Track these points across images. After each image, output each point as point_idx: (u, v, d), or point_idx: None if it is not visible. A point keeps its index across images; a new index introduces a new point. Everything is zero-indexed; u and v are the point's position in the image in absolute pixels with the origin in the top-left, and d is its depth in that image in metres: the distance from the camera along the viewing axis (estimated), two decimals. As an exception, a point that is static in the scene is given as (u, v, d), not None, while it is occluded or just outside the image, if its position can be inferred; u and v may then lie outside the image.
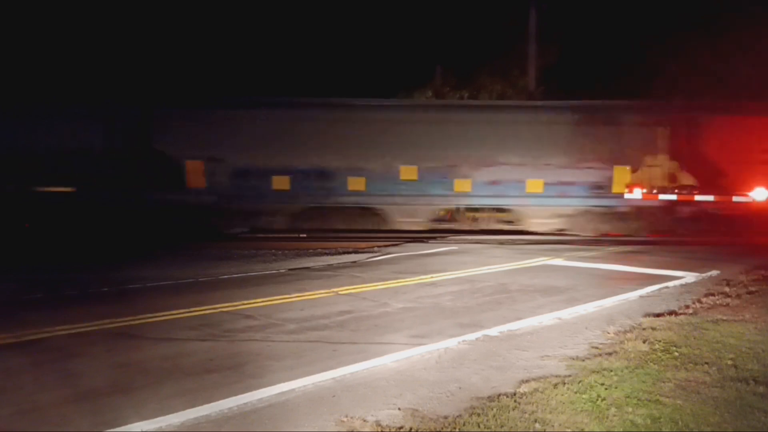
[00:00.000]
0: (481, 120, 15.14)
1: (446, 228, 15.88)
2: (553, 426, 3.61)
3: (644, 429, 3.59)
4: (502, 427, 3.60)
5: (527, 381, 4.42)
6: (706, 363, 4.79)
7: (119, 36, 20.62)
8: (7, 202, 14.40)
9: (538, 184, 14.84)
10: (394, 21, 21.38)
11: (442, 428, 3.58)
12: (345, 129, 15.02)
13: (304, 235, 15.35)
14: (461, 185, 15.00)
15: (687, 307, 6.99)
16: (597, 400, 3.99)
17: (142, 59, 20.61)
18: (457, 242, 14.09)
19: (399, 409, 3.91)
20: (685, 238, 14.28)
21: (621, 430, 3.57)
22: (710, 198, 14.54)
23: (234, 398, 4.07)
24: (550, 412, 3.79)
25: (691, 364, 4.76)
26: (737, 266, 9.99)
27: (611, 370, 4.59)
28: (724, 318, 6.35)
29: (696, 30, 19.66)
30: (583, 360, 4.94)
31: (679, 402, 3.98)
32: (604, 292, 7.94)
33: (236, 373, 4.63)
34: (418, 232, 15.58)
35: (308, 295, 7.66)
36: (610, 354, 5.07)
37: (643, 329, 5.88)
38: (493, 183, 14.91)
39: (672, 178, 14.79)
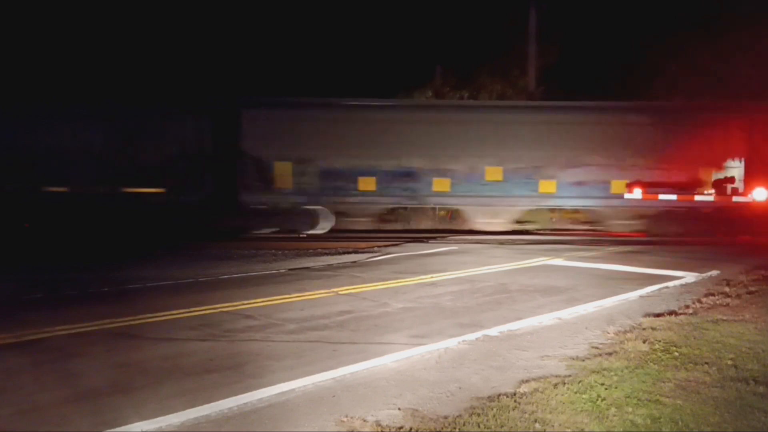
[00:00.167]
0: (569, 121, 15.15)
1: (528, 230, 16.02)
2: (553, 426, 3.60)
3: (644, 429, 3.59)
4: (502, 427, 3.60)
5: (527, 381, 4.42)
6: (706, 363, 4.79)
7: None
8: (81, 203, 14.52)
9: (622, 185, 14.83)
10: (394, 21, 21.39)
11: (442, 428, 3.58)
12: (431, 130, 15.14)
13: (304, 235, 15.36)
14: (546, 186, 15.06)
15: (687, 307, 6.98)
16: (597, 400, 3.99)
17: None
18: (457, 242, 14.09)
19: (399, 409, 3.91)
20: (685, 239, 14.29)
21: (621, 430, 3.57)
22: (710, 198, 14.61)
23: (234, 398, 4.07)
24: (550, 412, 3.79)
25: (691, 364, 4.76)
26: (737, 266, 9.99)
27: (611, 370, 4.59)
28: (724, 318, 6.35)
29: (696, 30, 19.66)
30: (583, 360, 4.94)
31: (679, 402, 3.98)
32: (604, 292, 7.93)
33: (236, 373, 4.63)
34: (418, 232, 15.59)
35: (308, 295, 7.66)
36: (610, 354, 5.07)
37: (643, 329, 5.88)
38: (579, 184, 14.97)
39: (750, 178, 14.76)
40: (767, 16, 18.53)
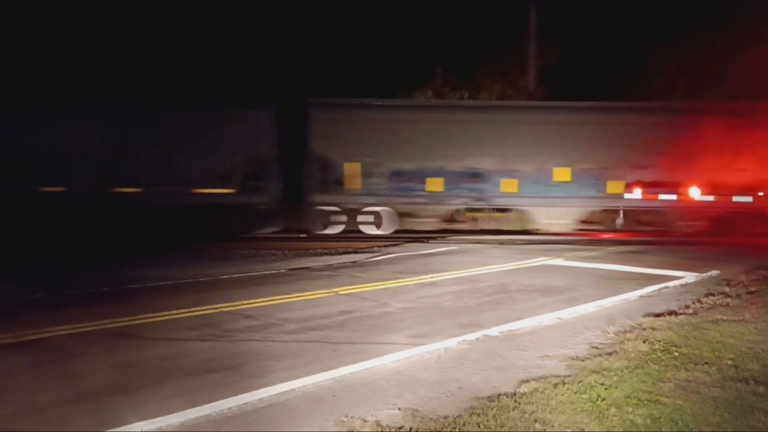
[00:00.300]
0: (640, 123, 15.16)
1: (593, 230, 15.97)
2: (553, 426, 3.60)
3: (644, 429, 3.59)
4: (502, 427, 3.60)
5: (527, 381, 4.42)
6: (706, 363, 4.79)
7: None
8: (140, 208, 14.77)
9: (692, 186, 14.86)
10: (394, 21, 21.38)
11: (442, 428, 3.58)
12: (500, 131, 15.21)
13: (304, 235, 15.37)
14: (614, 187, 15.10)
15: (687, 307, 6.98)
16: (597, 400, 3.99)
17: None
18: (457, 242, 14.09)
19: (399, 409, 3.91)
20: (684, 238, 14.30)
21: (621, 430, 3.57)
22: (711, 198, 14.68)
23: (234, 398, 4.07)
24: (550, 412, 3.79)
25: (691, 364, 4.76)
26: (737, 266, 9.99)
27: (611, 370, 4.59)
28: (724, 318, 6.35)
29: (696, 30, 19.66)
30: (583, 360, 4.94)
31: (679, 402, 3.98)
32: (604, 292, 7.93)
33: (236, 373, 4.63)
34: (418, 233, 15.59)
35: (308, 295, 7.66)
36: (610, 354, 5.07)
37: (643, 329, 5.87)
38: (648, 186, 14.99)
39: None
40: (767, 16, 18.53)
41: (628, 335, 5.64)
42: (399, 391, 4.24)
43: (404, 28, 21.16)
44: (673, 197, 14.99)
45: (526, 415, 3.74)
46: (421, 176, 15.23)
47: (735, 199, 14.67)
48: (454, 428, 3.57)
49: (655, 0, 21.00)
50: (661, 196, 15.01)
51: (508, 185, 15.21)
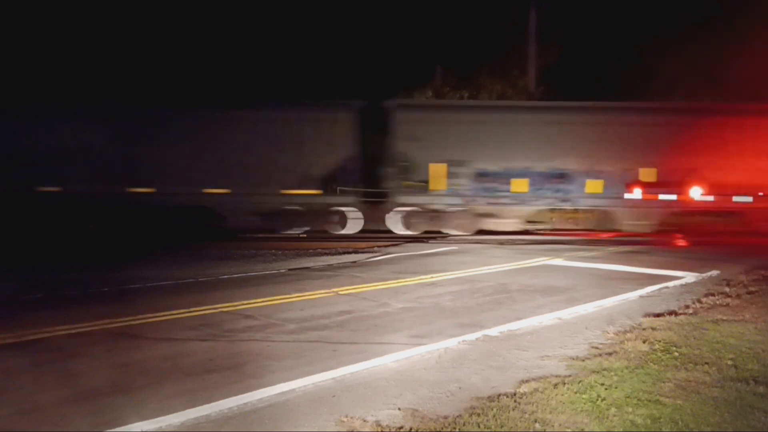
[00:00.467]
0: (726, 124, 15.14)
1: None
2: (553, 426, 3.60)
3: (644, 429, 3.59)
4: (502, 427, 3.60)
5: (527, 381, 4.42)
6: (706, 363, 4.79)
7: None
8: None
9: None
10: (394, 21, 21.37)
11: (442, 428, 3.58)
12: (586, 132, 15.20)
13: (304, 235, 15.37)
14: (697, 189, 15.09)
15: (687, 307, 6.98)
16: (597, 400, 3.99)
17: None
18: (457, 242, 14.09)
19: (399, 409, 3.91)
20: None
21: (621, 430, 3.57)
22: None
23: (234, 398, 4.07)
24: (550, 412, 3.79)
25: (691, 364, 4.76)
26: (737, 266, 9.99)
27: (611, 370, 4.59)
28: (724, 318, 6.35)
29: (696, 30, 19.65)
30: (583, 360, 4.94)
31: (679, 402, 3.98)
32: (604, 292, 7.93)
33: (236, 373, 4.63)
34: (423, 233, 15.57)
35: (308, 295, 7.66)
36: (610, 354, 5.07)
37: (643, 329, 5.87)
38: (729, 187, 14.99)
39: None
40: (767, 16, 18.52)
41: (628, 335, 5.64)
42: (399, 391, 4.24)
43: (404, 28, 21.17)
44: (753, 198, 15.05)
45: (526, 415, 3.74)
46: (506, 177, 15.27)
47: None
48: (454, 428, 3.57)
49: (655, 0, 21.01)
50: (735, 198, 15.07)
51: (594, 186, 15.23)
